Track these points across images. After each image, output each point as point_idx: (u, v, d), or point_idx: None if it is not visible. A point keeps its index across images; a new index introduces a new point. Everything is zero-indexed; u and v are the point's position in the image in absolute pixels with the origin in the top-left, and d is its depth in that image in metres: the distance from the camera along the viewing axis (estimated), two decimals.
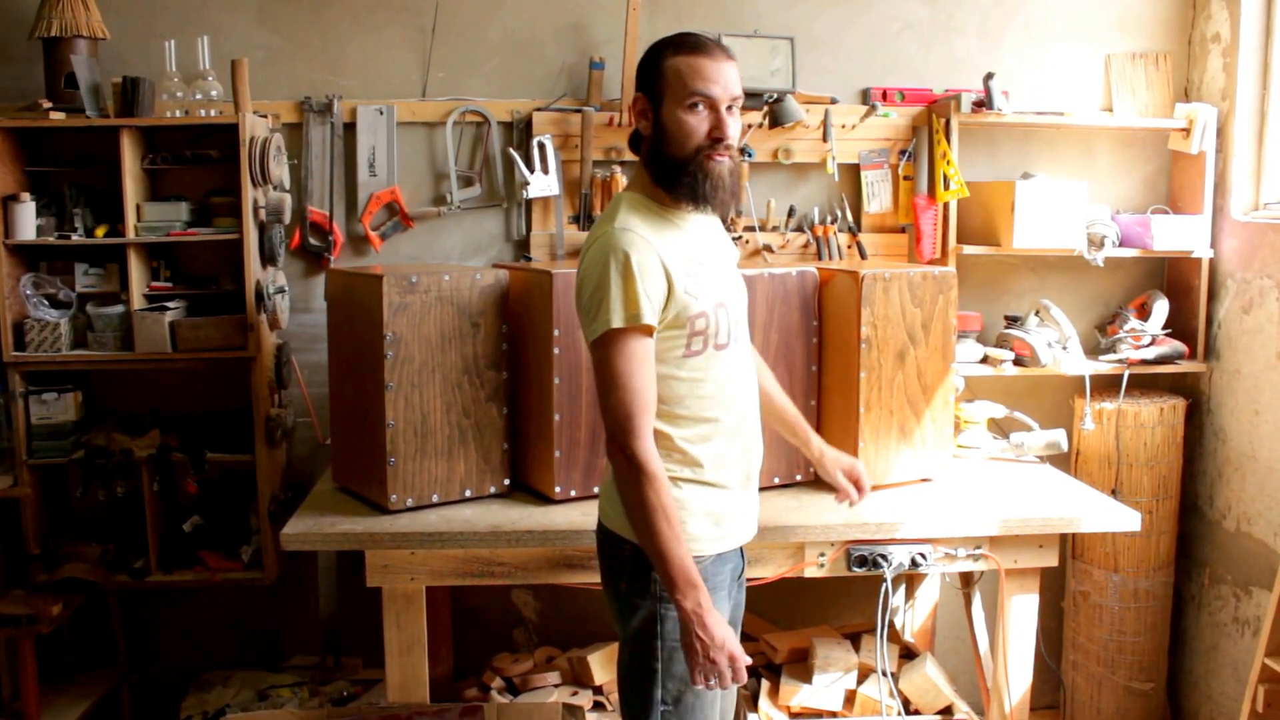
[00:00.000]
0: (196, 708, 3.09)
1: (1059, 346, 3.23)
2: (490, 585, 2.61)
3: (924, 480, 2.82)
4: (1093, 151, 3.44)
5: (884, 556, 2.55)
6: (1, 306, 2.93)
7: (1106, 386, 3.36)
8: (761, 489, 2.76)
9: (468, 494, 2.63)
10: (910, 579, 3.40)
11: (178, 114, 2.99)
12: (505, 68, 3.27)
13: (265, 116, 3.11)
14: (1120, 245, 3.28)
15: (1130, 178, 3.47)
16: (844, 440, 2.72)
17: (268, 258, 3.03)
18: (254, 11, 3.21)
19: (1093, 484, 3.13)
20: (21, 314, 2.99)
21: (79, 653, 3.28)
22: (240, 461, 3.06)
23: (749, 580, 2.55)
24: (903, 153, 3.34)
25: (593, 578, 2.38)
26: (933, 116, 3.28)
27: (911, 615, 3.45)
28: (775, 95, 3.17)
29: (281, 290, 3.13)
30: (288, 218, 3.10)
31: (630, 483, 1.84)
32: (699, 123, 1.87)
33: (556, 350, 2.52)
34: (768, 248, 3.30)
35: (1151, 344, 3.29)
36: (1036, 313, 3.30)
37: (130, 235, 2.96)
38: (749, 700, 3.03)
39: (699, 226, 1.98)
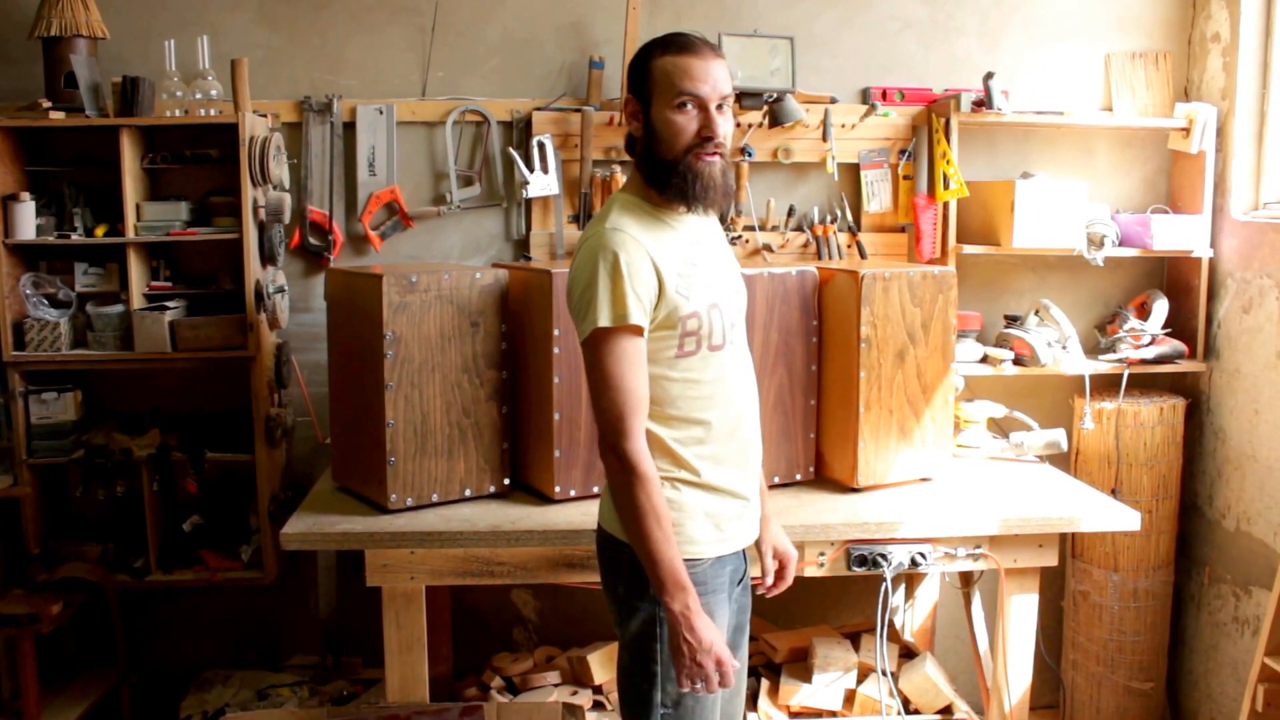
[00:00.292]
0: (196, 707, 3.09)
1: (1059, 346, 3.23)
2: (490, 585, 2.62)
3: (923, 480, 2.82)
4: (1092, 151, 3.44)
5: (884, 556, 2.55)
6: (1, 306, 2.93)
7: (1106, 386, 3.36)
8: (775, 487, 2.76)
9: (467, 493, 2.63)
10: (910, 578, 3.40)
11: (177, 113, 2.99)
12: (505, 67, 3.27)
13: (265, 116, 3.11)
14: (1120, 245, 3.28)
15: (1130, 177, 3.48)
16: (844, 440, 2.72)
17: (267, 257, 3.04)
18: (254, 11, 3.21)
19: (1092, 483, 3.13)
20: (21, 313, 2.99)
21: (79, 652, 3.28)
22: (240, 461, 3.06)
23: (750, 580, 2.56)
24: (902, 152, 3.34)
25: (592, 577, 2.37)
26: (932, 116, 3.28)
27: (911, 615, 3.45)
28: (775, 95, 3.16)
29: (281, 290, 3.13)
30: (287, 217, 3.10)
31: (621, 483, 1.84)
32: (687, 122, 1.86)
33: (556, 349, 2.52)
34: (767, 247, 3.30)
35: (1151, 343, 3.29)
36: (1036, 312, 3.30)
37: (130, 235, 2.96)
38: (749, 700, 3.03)
39: (694, 227, 1.98)
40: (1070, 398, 3.43)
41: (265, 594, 3.30)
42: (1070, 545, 3.41)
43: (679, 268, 1.88)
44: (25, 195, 2.95)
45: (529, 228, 3.29)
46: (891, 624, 3.40)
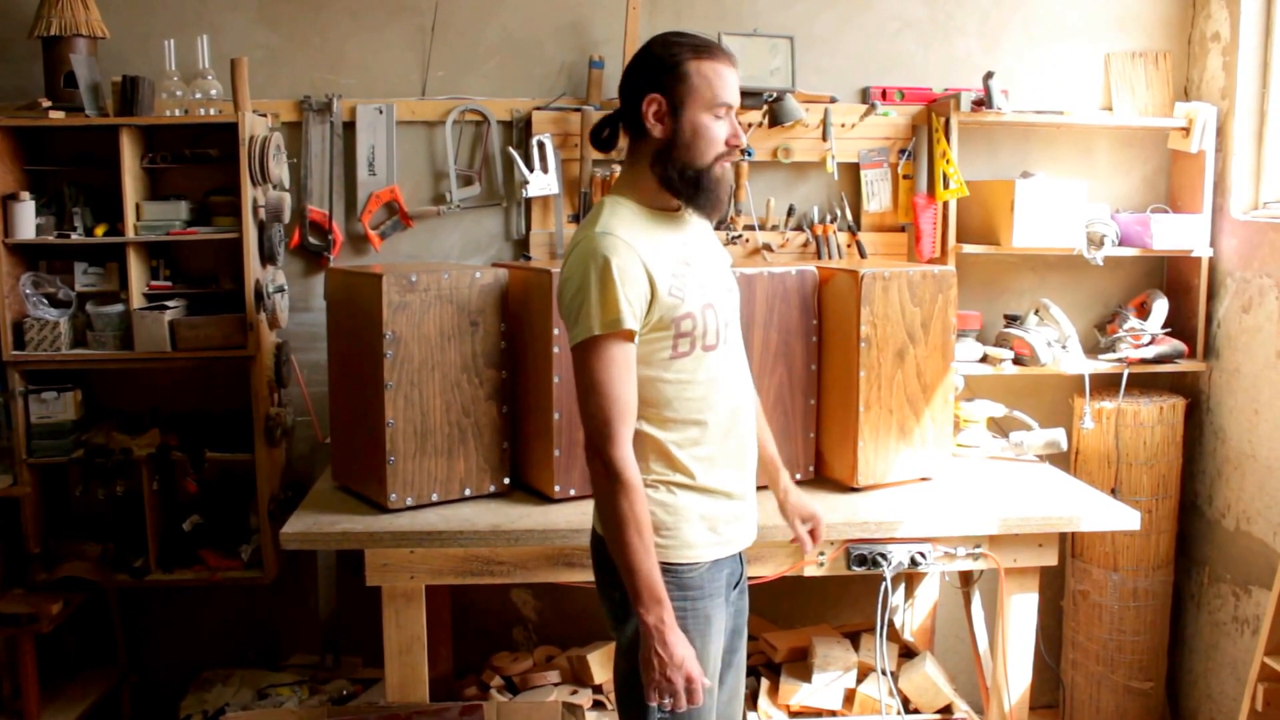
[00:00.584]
0: (196, 707, 3.09)
1: (1058, 345, 3.23)
2: (490, 584, 2.62)
3: (923, 479, 2.82)
4: (1092, 150, 3.44)
5: (883, 555, 2.55)
6: (1, 305, 2.93)
7: (1106, 385, 3.36)
8: (761, 488, 2.76)
9: (467, 493, 2.63)
10: (910, 578, 3.41)
11: (177, 113, 2.99)
12: (505, 67, 3.27)
13: (265, 115, 3.11)
14: (1120, 244, 3.28)
15: (1130, 177, 3.48)
16: (844, 439, 2.72)
17: (267, 257, 3.04)
18: (253, 10, 3.21)
19: (1092, 483, 3.13)
20: (21, 313, 2.99)
21: (79, 652, 3.28)
22: (240, 460, 3.06)
23: (750, 580, 2.56)
24: (902, 152, 3.34)
25: (592, 576, 2.37)
26: (932, 115, 3.28)
27: (911, 614, 3.45)
28: (775, 94, 3.17)
29: (281, 289, 3.13)
30: (287, 217, 3.10)
31: (605, 491, 1.82)
32: (721, 130, 1.89)
33: (556, 349, 2.52)
34: (767, 246, 3.30)
35: (1151, 343, 3.29)
36: (1036, 312, 3.30)
37: (130, 234, 2.96)
38: (749, 699, 3.03)
39: (688, 226, 1.97)
40: (1070, 397, 3.43)
41: (265, 594, 3.30)
42: (1070, 545, 3.41)
43: (673, 268, 1.87)
44: (25, 195, 2.95)
45: (529, 227, 3.29)
46: (891, 623, 3.40)
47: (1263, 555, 3.10)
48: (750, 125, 3.23)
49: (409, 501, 2.55)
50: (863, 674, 3.03)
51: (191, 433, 3.11)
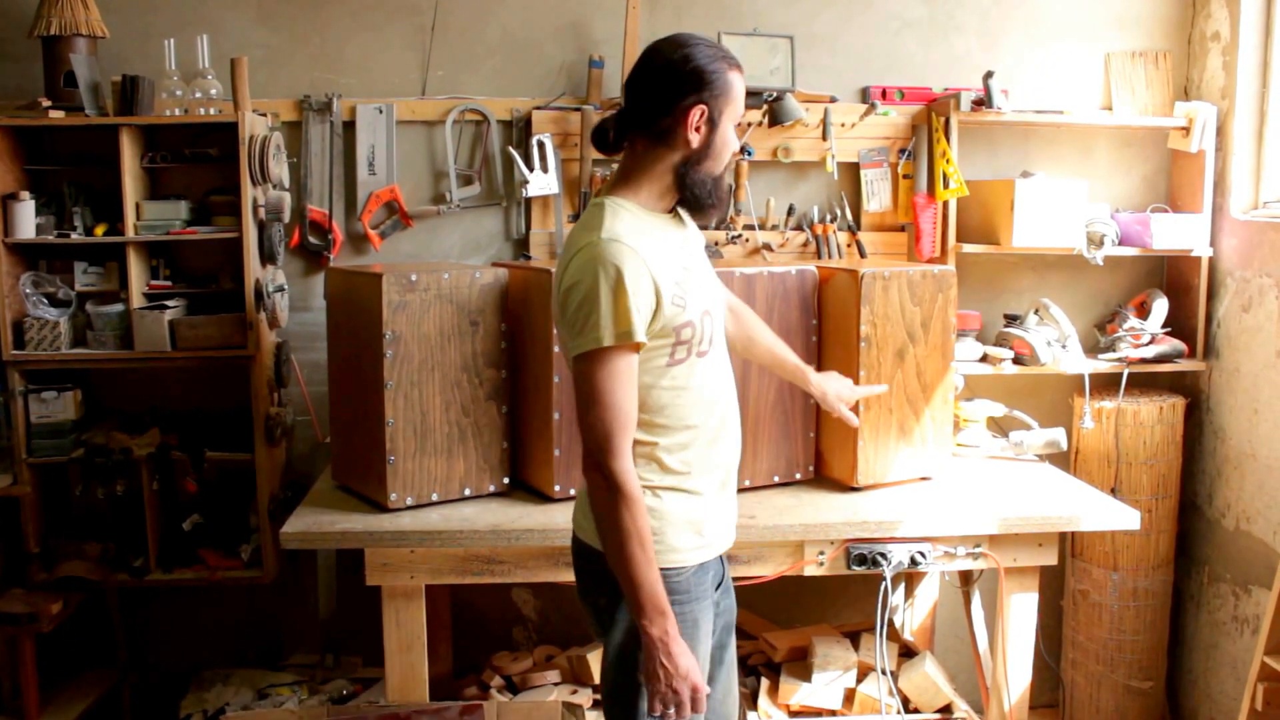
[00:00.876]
0: (196, 706, 3.09)
1: (1058, 345, 3.23)
2: (490, 584, 2.61)
3: (923, 479, 2.82)
4: (1092, 150, 3.44)
5: (883, 555, 2.56)
6: (1, 305, 2.92)
7: (1106, 385, 3.36)
8: (761, 488, 2.77)
9: (467, 492, 2.63)
10: (910, 577, 3.41)
11: (177, 112, 2.99)
12: (504, 66, 3.27)
13: (265, 115, 3.11)
14: (1120, 244, 3.28)
15: (1130, 176, 3.48)
16: (844, 439, 2.72)
17: (267, 256, 3.04)
18: (253, 10, 3.21)
19: (1092, 483, 3.13)
20: (21, 312, 2.99)
21: (79, 652, 3.28)
22: (240, 460, 3.06)
23: (749, 579, 2.56)
24: (902, 151, 3.34)
25: None
26: (932, 115, 3.28)
27: (911, 614, 3.45)
28: (774, 94, 3.16)
29: (281, 289, 3.13)
30: (287, 216, 3.10)
31: (606, 503, 1.79)
32: (735, 141, 1.95)
33: (556, 348, 2.52)
34: (767, 246, 3.30)
35: (1151, 343, 3.29)
36: (1036, 311, 3.30)
37: (130, 234, 2.96)
38: (749, 699, 3.04)
39: (685, 231, 1.97)
40: (1070, 397, 3.43)
41: (265, 593, 3.30)
42: (1070, 544, 3.41)
43: (676, 275, 1.85)
44: (25, 194, 2.95)
45: (529, 227, 3.29)
46: (891, 623, 3.40)
47: (1262, 555, 3.10)
48: (750, 125, 3.23)
49: (409, 501, 2.55)
50: (863, 674, 3.03)
51: (191, 432, 3.11)
